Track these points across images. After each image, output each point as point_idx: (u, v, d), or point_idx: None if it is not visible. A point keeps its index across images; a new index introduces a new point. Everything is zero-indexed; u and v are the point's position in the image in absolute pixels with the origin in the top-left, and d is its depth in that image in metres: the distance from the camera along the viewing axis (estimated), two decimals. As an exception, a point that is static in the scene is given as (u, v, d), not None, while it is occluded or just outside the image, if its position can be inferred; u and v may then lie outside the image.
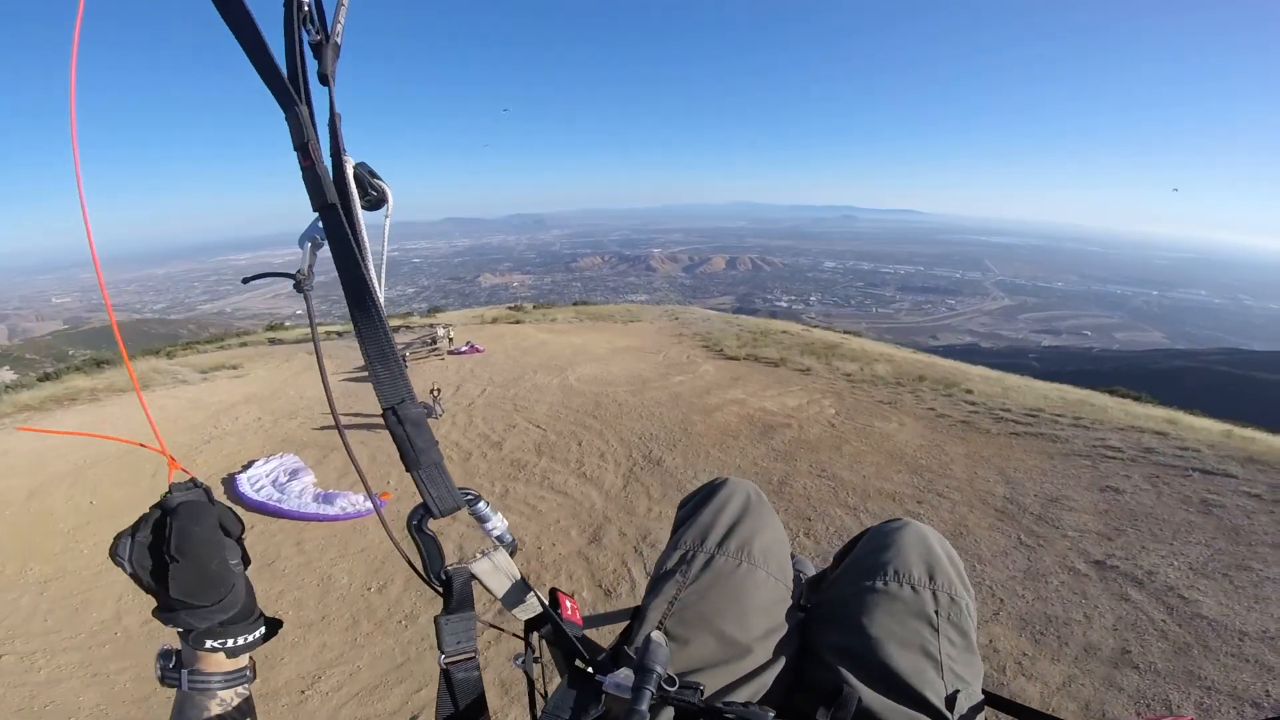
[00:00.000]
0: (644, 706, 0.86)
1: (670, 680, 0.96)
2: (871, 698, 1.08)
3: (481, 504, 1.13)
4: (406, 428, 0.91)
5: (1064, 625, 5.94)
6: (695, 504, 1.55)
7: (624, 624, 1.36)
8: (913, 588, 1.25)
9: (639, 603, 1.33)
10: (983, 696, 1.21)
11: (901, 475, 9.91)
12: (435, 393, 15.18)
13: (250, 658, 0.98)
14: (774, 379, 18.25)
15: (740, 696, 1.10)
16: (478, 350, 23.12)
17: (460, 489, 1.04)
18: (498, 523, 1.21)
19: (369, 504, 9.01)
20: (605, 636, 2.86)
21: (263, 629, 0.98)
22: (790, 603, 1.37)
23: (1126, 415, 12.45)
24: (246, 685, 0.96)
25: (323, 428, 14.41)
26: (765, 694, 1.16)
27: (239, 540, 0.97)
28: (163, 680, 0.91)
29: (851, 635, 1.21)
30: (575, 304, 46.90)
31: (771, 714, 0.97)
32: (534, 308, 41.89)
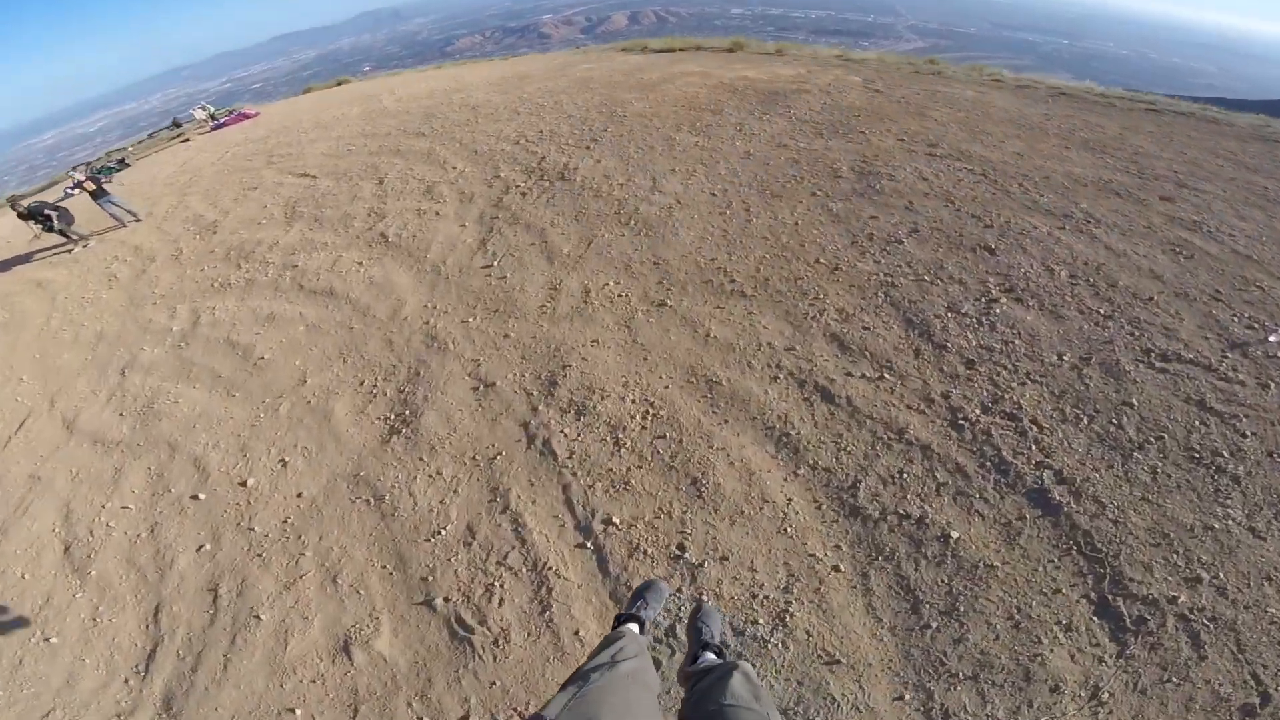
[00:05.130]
0: None
1: None
2: None
3: None
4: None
5: None
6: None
7: None
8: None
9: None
10: None
11: (1081, 155, 5.48)
12: (83, 186, 7.16)
13: None
14: (736, 59, 11.33)
15: None
16: (246, 116, 14.05)
17: None
18: None
19: None
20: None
21: None
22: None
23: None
24: None
25: None
26: None
27: None
28: None
29: None
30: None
31: None
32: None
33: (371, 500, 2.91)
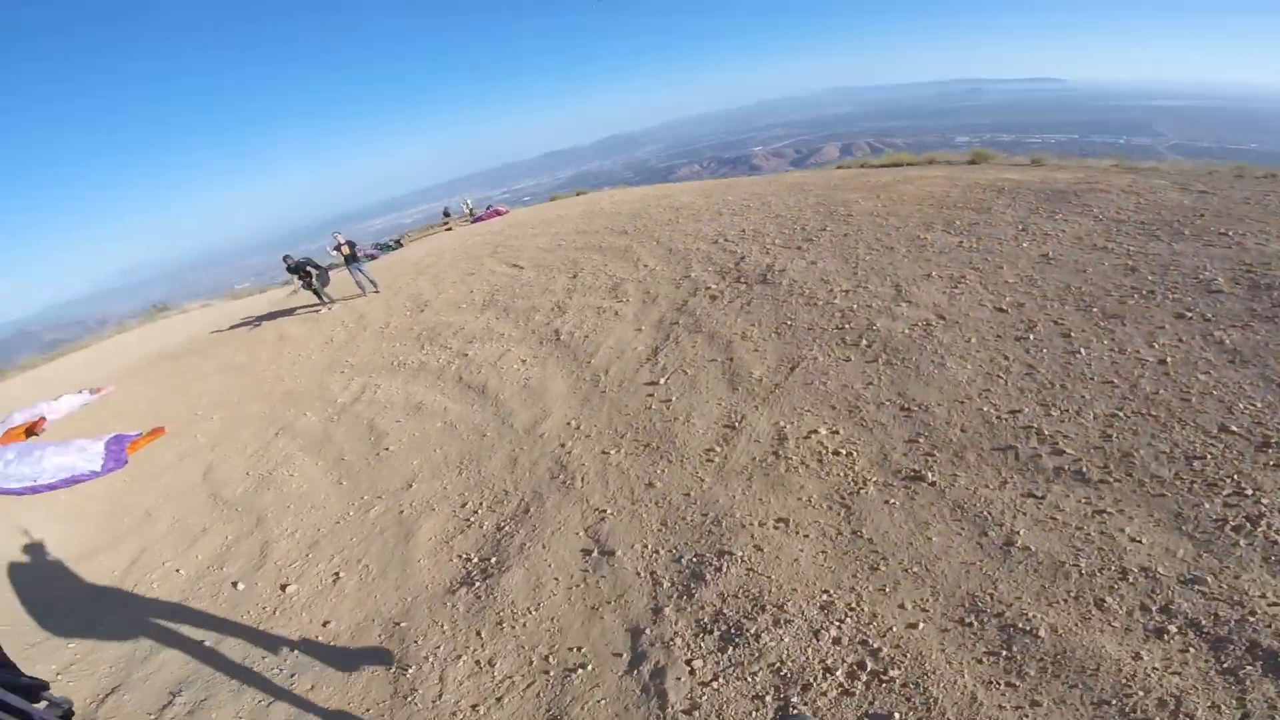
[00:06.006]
0: None
1: None
2: None
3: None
4: None
5: None
6: None
7: None
8: None
9: None
10: None
11: None
12: (340, 248, 8.06)
13: None
14: (983, 170, 9.35)
15: None
16: (499, 213, 16.42)
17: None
18: None
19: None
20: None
21: None
22: None
23: None
24: None
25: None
26: None
27: None
28: None
29: None
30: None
31: None
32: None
33: (394, 665, 1.99)
